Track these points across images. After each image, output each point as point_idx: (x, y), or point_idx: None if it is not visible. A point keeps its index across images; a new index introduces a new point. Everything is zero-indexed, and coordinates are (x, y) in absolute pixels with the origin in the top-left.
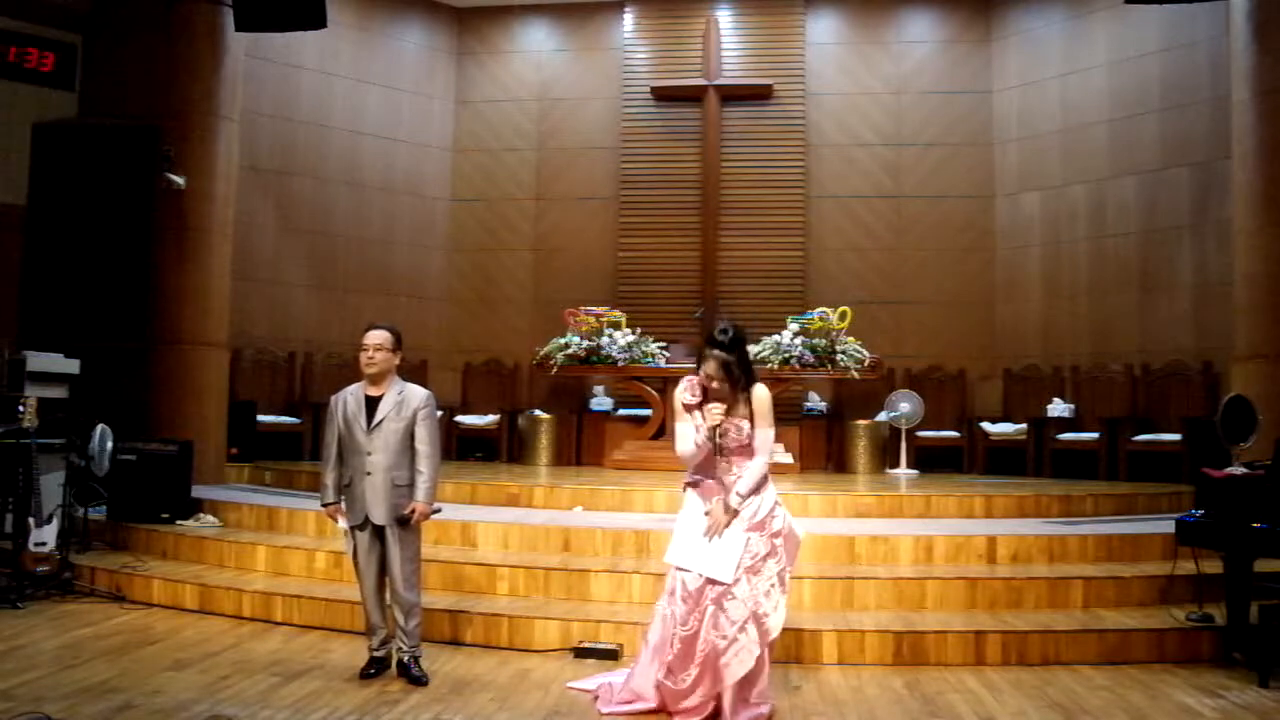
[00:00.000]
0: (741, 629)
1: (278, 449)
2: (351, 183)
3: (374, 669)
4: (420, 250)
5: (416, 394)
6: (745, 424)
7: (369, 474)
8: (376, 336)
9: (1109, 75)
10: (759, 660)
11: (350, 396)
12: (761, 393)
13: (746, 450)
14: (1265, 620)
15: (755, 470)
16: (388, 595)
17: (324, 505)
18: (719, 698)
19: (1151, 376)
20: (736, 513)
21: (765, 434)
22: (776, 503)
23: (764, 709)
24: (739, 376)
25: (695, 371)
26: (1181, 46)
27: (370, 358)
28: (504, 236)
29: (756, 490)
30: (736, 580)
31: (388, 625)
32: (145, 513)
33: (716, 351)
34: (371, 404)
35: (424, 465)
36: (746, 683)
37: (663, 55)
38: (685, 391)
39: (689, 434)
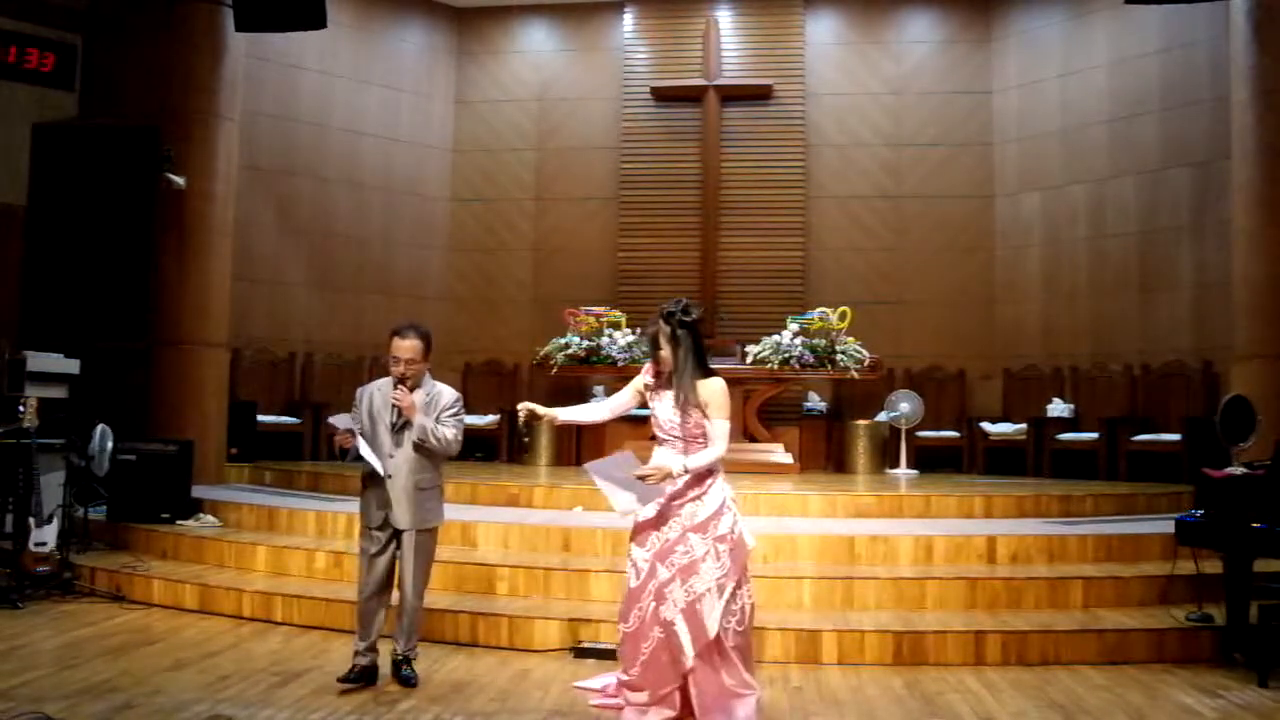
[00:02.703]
0: (673, 627)
1: (278, 449)
2: (351, 183)
3: (356, 675)
4: (420, 250)
5: (446, 395)
6: (695, 413)
7: (390, 477)
8: (408, 349)
9: (1109, 75)
10: (723, 654)
11: (378, 392)
12: (714, 385)
13: (701, 440)
14: (1265, 620)
15: (709, 454)
16: (394, 598)
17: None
18: (677, 692)
19: (1151, 376)
20: (673, 477)
21: (721, 425)
22: (726, 507)
23: (748, 699)
24: (673, 351)
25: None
26: (1181, 46)
27: (403, 372)
28: (504, 236)
29: (702, 475)
30: (671, 578)
31: (384, 630)
32: (145, 513)
33: (661, 323)
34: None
35: (445, 429)
36: (712, 675)
37: (663, 55)
38: (646, 374)
39: (609, 403)
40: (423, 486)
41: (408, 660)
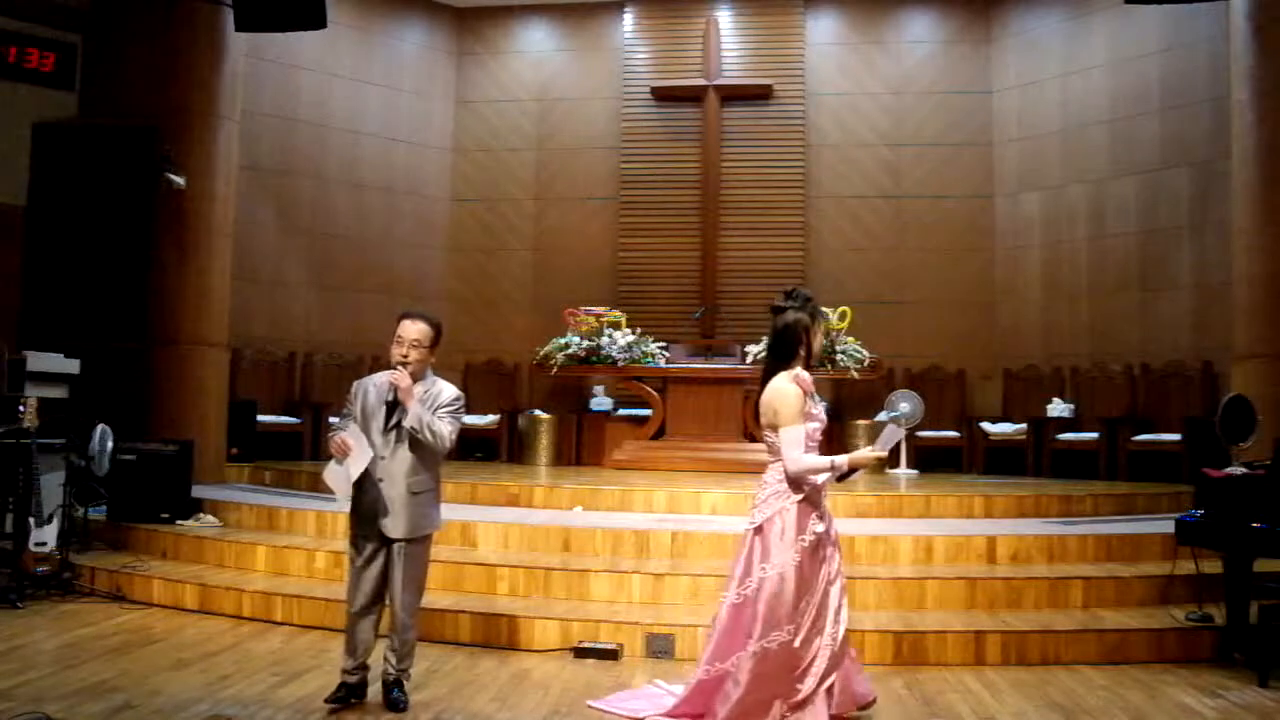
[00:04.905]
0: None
1: (278, 449)
2: (351, 183)
3: (343, 694)
4: (420, 250)
5: (447, 391)
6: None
7: (382, 481)
8: (415, 330)
9: (1109, 75)
10: None
11: (373, 387)
12: None
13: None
14: (1265, 620)
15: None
16: (385, 613)
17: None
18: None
19: (1151, 376)
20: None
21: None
22: None
23: None
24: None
25: (790, 358)
26: (1181, 46)
27: (404, 355)
28: (504, 236)
29: None
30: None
31: (370, 653)
32: (145, 513)
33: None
34: (392, 403)
35: (441, 424)
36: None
37: (663, 55)
38: (798, 384)
39: (802, 440)
40: (417, 490)
41: (400, 683)
